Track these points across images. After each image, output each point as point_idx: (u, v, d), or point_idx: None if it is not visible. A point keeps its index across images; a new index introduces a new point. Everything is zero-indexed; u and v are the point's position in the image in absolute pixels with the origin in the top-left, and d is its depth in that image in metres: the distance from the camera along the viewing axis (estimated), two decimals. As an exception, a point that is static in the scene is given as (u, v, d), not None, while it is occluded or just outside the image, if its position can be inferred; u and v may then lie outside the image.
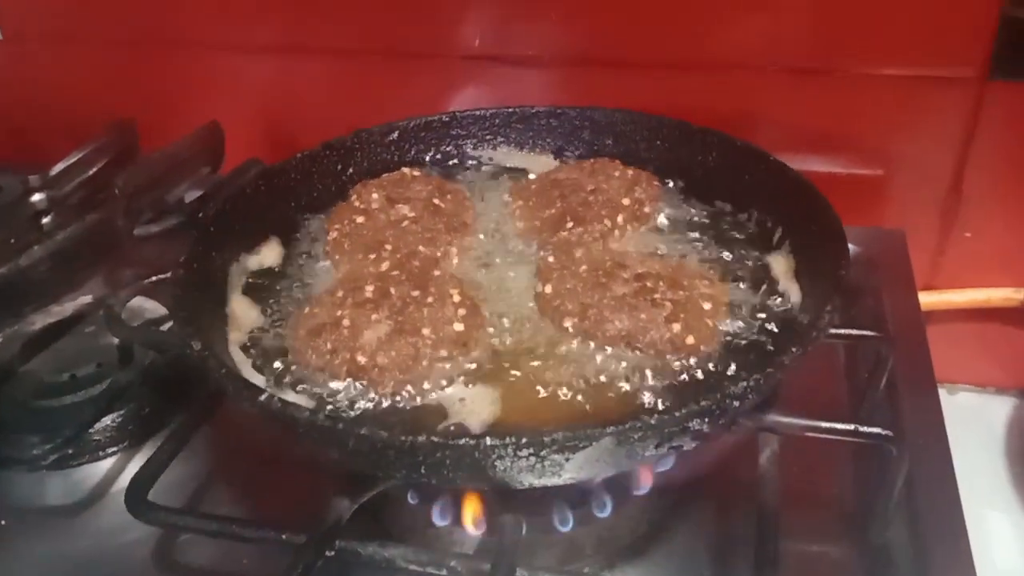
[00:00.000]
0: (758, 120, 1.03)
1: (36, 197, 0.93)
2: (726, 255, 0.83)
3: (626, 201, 0.88)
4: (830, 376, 0.94)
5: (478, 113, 1.02)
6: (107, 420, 0.89)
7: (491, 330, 0.75)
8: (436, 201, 0.90)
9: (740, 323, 0.74)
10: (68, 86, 1.30)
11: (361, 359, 0.70)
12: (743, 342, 0.72)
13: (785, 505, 0.68)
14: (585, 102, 1.01)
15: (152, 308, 1.02)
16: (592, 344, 0.72)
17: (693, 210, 0.90)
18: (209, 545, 0.76)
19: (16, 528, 0.82)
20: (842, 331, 0.78)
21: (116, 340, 0.96)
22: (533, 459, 0.57)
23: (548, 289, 0.77)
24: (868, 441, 0.68)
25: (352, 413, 0.68)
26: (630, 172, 0.93)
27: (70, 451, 0.87)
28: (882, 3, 0.97)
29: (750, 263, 0.82)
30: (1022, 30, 0.93)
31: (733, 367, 0.70)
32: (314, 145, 0.96)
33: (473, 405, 0.68)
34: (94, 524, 0.82)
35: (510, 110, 1.02)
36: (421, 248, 0.84)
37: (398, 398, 0.69)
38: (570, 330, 0.74)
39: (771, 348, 0.72)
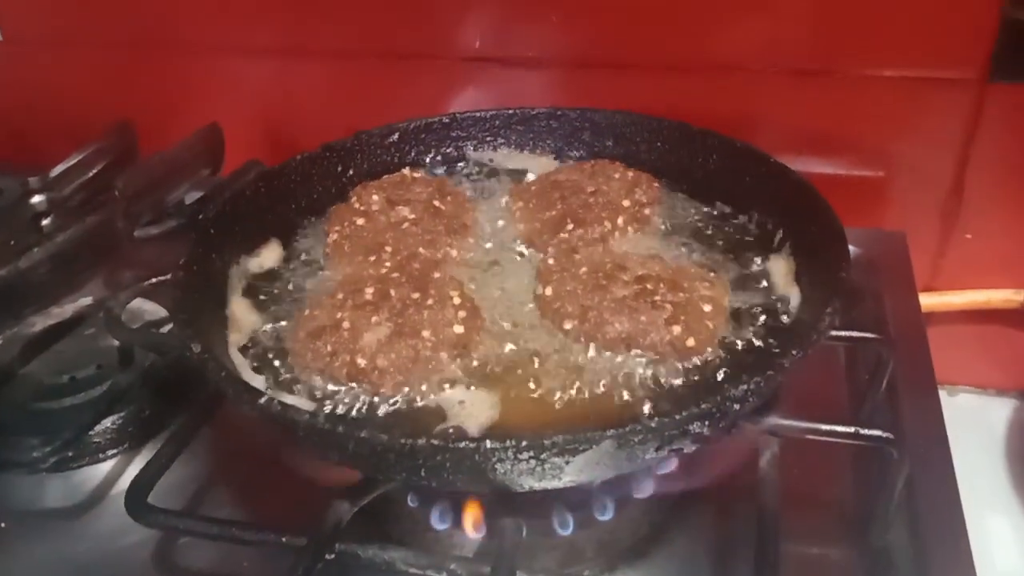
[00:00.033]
0: (758, 122, 1.03)
1: (36, 199, 0.94)
2: (726, 257, 0.83)
3: (626, 203, 0.88)
4: (830, 378, 0.94)
5: (478, 115, 1.02)
6: (107, 422, 0.89)
7: (491, 332, 0.75)
8: (436, 203, 0.90)
9: (740, 325, 0.74)
10: (68, 88, 1.30)
11: (361, 361, 0.70)
12: (743, 344, 0.72)
13: (785, 507, 0.68)
14: (585, 104, 1.01)
15: (152, 310, 1.02)
16: (592, 346, 0.72)
17: (693, 212, 0.90)
18: (209, 548, 0.76)
19: (16, 531, 0.82)
20: (842, 333, 0.78)
21: (116, 342, 0.96)
22: (533, 462, 0.57)
23: (548, 291, 0.77)
24: (868, 443, 0.69)
25: (352, 415, 0.68)
26: (630, 174, 0.92)
27: (70, 453, 0.87)
28: (882, 5, 0.97)
29: (750, 265, 0.82)
30: (1022, 32, 0.93)
31: (733, 369, 0.70)
32: (314, 147, 0.96)
33: (473, 408, 0.67)
34: (94, 527, 0.82)
35: (510, 112, 1.02)
36: (421, 250, 0.84)
37: (398, 400, 0.69)
38: (570, 332, 0.73)
39: (771, 350, 0.71)
